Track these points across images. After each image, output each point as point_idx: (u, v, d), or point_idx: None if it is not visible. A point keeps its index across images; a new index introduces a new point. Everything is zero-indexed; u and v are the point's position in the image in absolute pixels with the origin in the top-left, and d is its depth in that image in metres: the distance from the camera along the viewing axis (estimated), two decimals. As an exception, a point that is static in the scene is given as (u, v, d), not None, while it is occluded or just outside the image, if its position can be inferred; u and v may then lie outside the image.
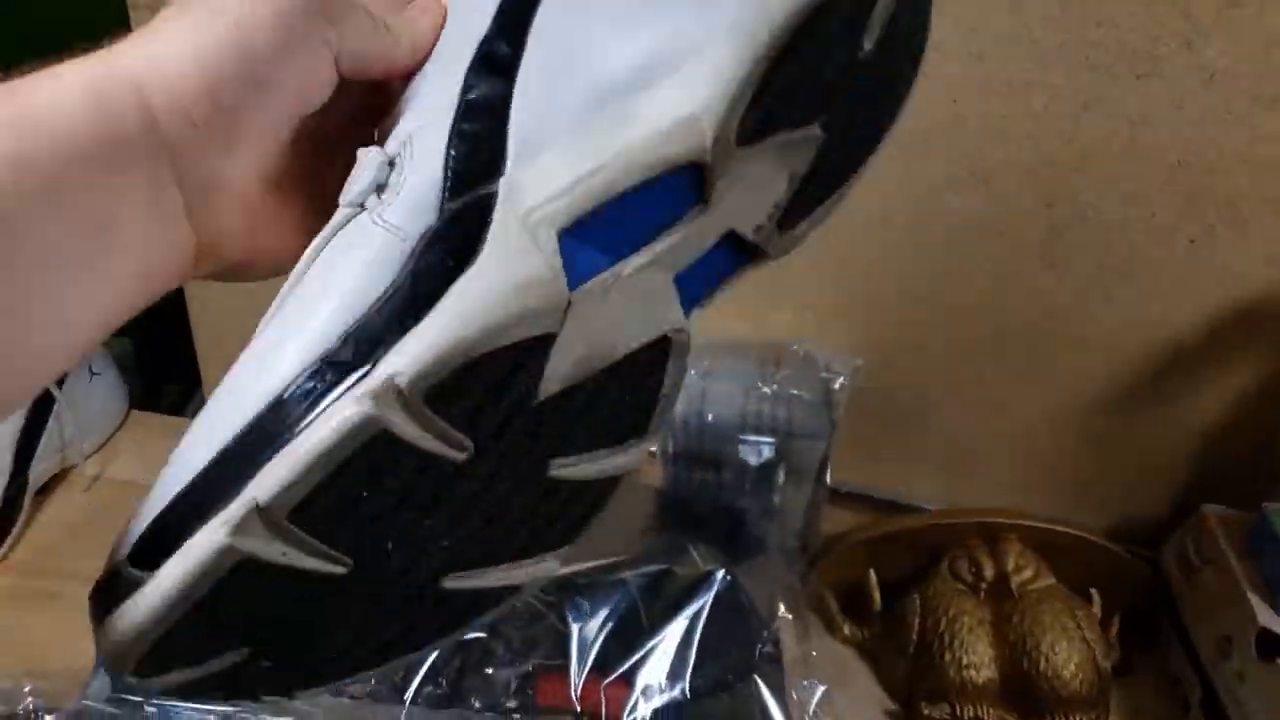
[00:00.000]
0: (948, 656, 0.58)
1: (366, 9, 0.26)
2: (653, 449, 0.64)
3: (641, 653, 0.54)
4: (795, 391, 0.59)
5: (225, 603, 0.22)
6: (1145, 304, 0.59)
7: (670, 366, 0.26)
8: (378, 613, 0.25)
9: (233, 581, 0.21)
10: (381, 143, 0.26)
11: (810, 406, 0.58)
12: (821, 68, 0.25)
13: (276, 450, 0.21)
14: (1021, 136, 0.56)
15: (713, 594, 0.56)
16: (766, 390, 0.59)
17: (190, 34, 0.23)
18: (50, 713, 0.47)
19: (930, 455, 0.68)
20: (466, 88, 0.25)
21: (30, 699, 0.48)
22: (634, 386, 0.26)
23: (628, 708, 0.52)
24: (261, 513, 0.21)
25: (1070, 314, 0.60)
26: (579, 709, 0.52)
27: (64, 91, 0.21)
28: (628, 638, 0.54)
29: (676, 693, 0.53)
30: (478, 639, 0.53)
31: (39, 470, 0.68)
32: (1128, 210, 0.57)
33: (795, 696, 0.54)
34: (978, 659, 0.58)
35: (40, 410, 0.68)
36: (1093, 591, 0.61)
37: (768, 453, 0.60)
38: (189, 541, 0.21)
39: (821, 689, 0.55)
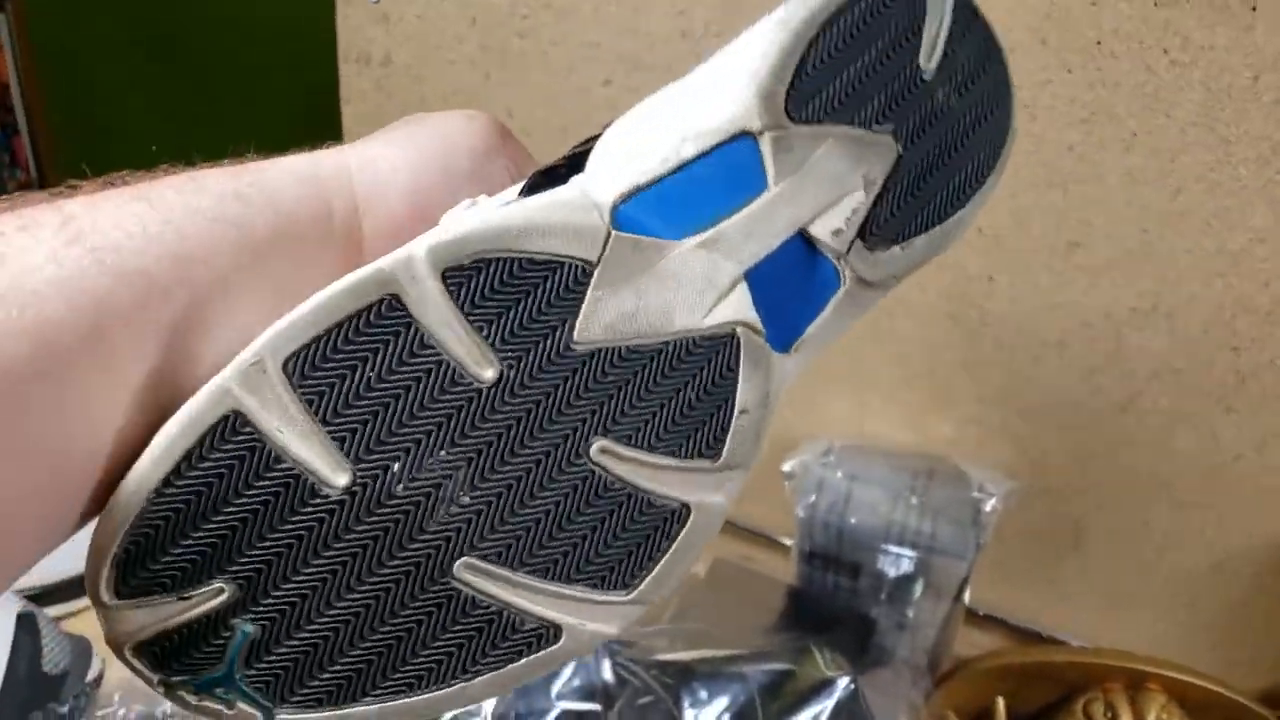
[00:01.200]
0: (1073, 802, 0.55)
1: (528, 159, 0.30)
2: (788, 542, 0.64)
3: (757, 749, 0.54)
4: (944, 507, 0.58)
5: (211, 490, 0.20)
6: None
7: (744, 374, 0.25)
8: (375, 581, 0.22)
9: (222, 452, 0.20)
10: None
11: (957, 525, 0.57)
12: (876, 68, 0.26)
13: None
14: (1213, 275, 0.54)
15: (834, 700, 0.56)
16: (915, 501, 0.58)
17: (403, 145, 0.27)
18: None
19: (1078, 590, 0.66)
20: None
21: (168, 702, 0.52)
22: (700, 385, 0.24)
23: (737, 806, 0.52)
24: (259, 362, 0.20)
25: (1248, 467, 0.57)
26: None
27: (286, 173, 0.24)
28: (747, 732, 0.54)
29: (787, 795, 0.53)
30: (591, 711, 0.54)
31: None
32: (1324, 364, 0.54)
33: (908, 819, 0.53)
34: (1105, 810, 0.55)
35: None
36: (1240, 757, 0.58)
37: (907, 565, 0.59)
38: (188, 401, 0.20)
39: (936, 816, 0.53)
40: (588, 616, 0.23)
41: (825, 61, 0.26)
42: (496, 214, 0.22)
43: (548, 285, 0.22)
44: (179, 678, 0.21)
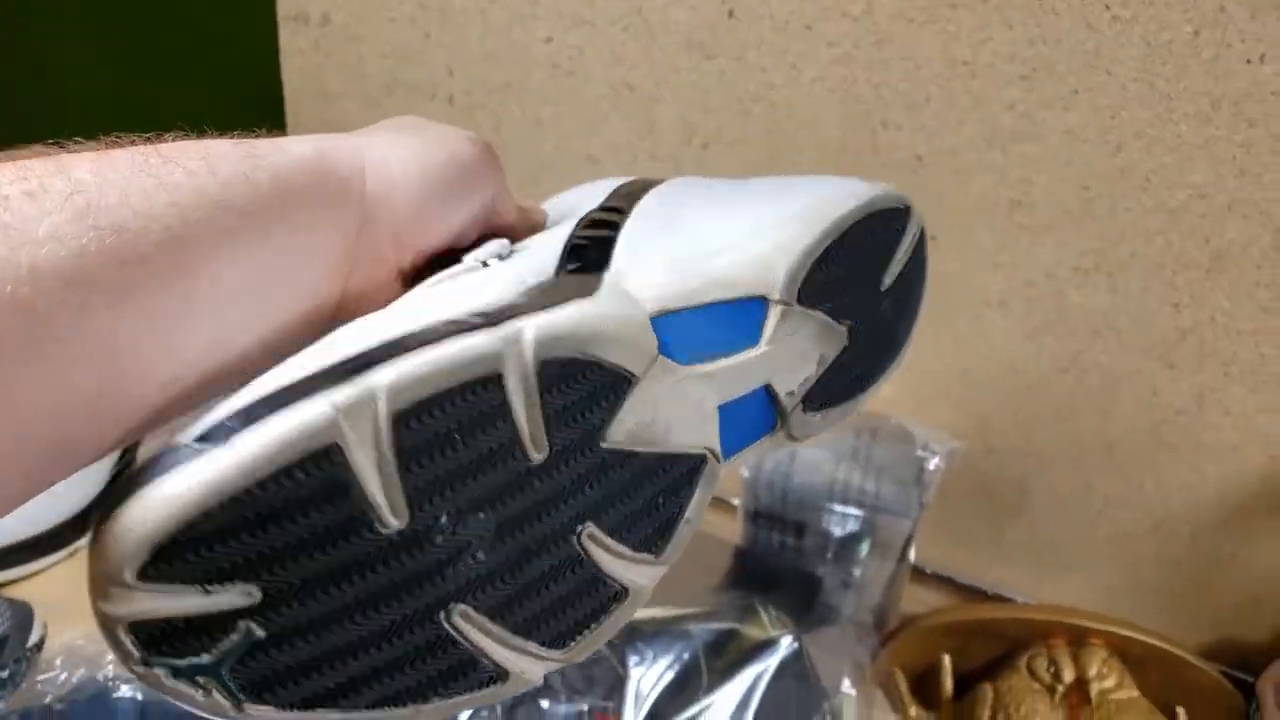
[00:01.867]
0: (1014, 756, 0.56)
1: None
2: (735, 502, 0.64)
3: (698, 708, 0.54)
4: (888, 466, 0.58)
5: (280, 504, 0.20)
6: (1270, 419, 0.57)
7: (697, 491, 0.29)
8: (384, 611, 0.23)
9: (307, 475, 0.20)
10: None
11: (901, 484, 0.57)
12: (856, 275, 0.34)
13: (405, 353, 0.22)
14: (1154, 232, 0.54)
15: (778, 658, 0.56)
16: (859, 461, 0.58)
17: (414, 149, 0.27)
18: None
19: (1022, 548, 0.66)
20: (577, 228, 0.31)
21: (111, 666, 0.51)
22: (667, 492, 0.28)
23: (679, 761, 0.52)
24: (371, 404, 0.21)
25: (1189, 422, 0.58)
26: (630, 754, 0.53)
27: (298, 160, 0.23)
28: (686, 691, 0.54)
29: (729, 752, 0.53)
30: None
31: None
32: (1263, 320, 0.54)
33: (850, 775, 0.54)
34: (1046, 763, 0.56)
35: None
36: (1179, 710, 0.59)
37: (853, 524, 0.59)
38: (283, 411, 0.20)
39: (879, 770, 0.54)
40: (528, 666, 0.26)
41: (830, 264, 0.32)
42: (591, 316, 0.25)
43: (601, 388, 0.25)
44: (164, 660, 0.21)
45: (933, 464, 0.57)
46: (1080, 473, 0.62)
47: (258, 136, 0.24)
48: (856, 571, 0.61)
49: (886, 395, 0.63)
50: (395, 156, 0.27)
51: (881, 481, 0.58)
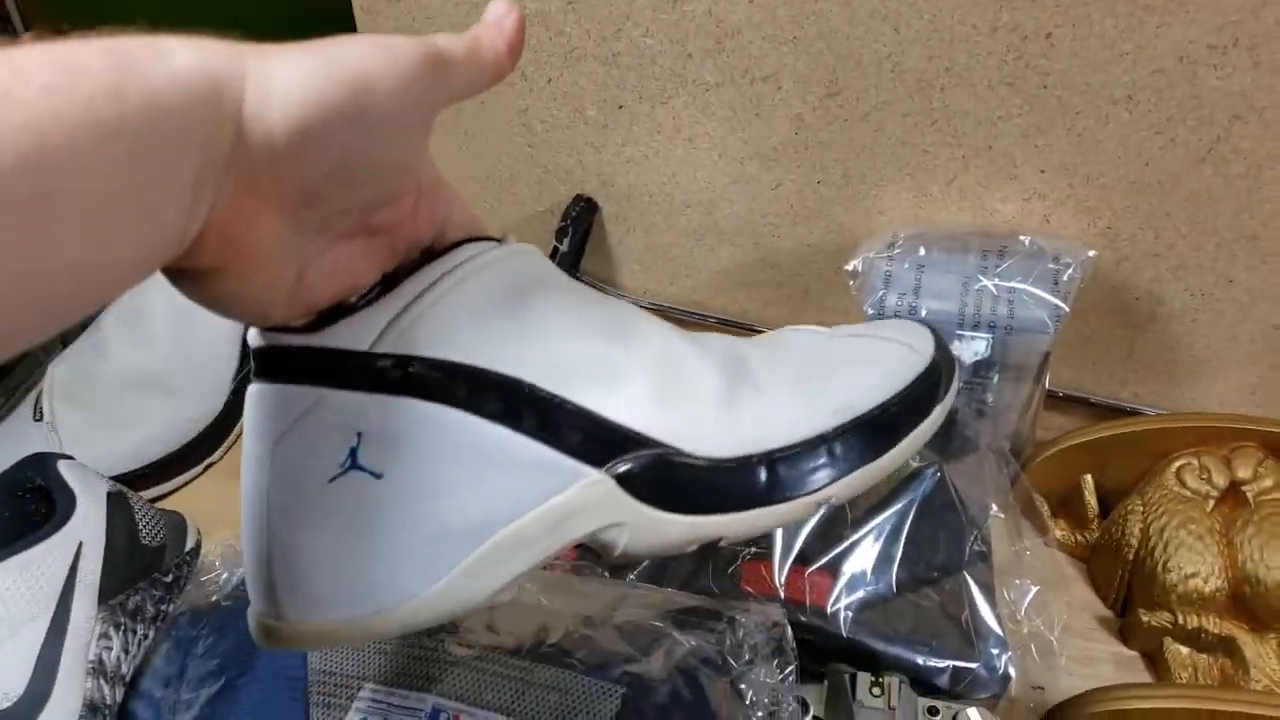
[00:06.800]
0: (1170, 565, 0.55)
1: (463, 51, 0.27)
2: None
3: (846, 544, 0.54)
4: (1019, 284, 0.55)
5: None
6: None
7: None
8: None
9: None
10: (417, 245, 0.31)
11: (1035, 300, 0.55)
12: None
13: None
14: (1298, -2, 0.50)
15: (922, 490, 0.55)
16: (988, 284, 0.56)
17: (313, 57, 0.24)
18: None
19: (1158, 359, 0.64)
20: None
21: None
22: None
23: (832, 598, 0.52)
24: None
25: (1341, 202, 0.54)
26: (783, 595, 0.53)
27: (171, 75, 0.21)
28: (834, 530, 0.54)
29: (882, 586, 0.53)
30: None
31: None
32: None
33: (1006, 596, 0.53)
34: (1205, 569, 0.54)
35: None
36: (1341, 506, 0.57)
37: (984, 350, 0.57)
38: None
39: (1034, 590, 0.53)
40: None
41: None
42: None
43: None
44: None
45: (1066, 275, 0.55)
46: (1220, 269, 0.59)
47: (159, 33, 0.21)
48: (990, 398, 0.59)
49: (1008, 213, 0.60)
50: (283, 71, 0.23)
51: (1014, 301, 0.56)
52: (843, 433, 0.34)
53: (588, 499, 0.31)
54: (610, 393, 0.32)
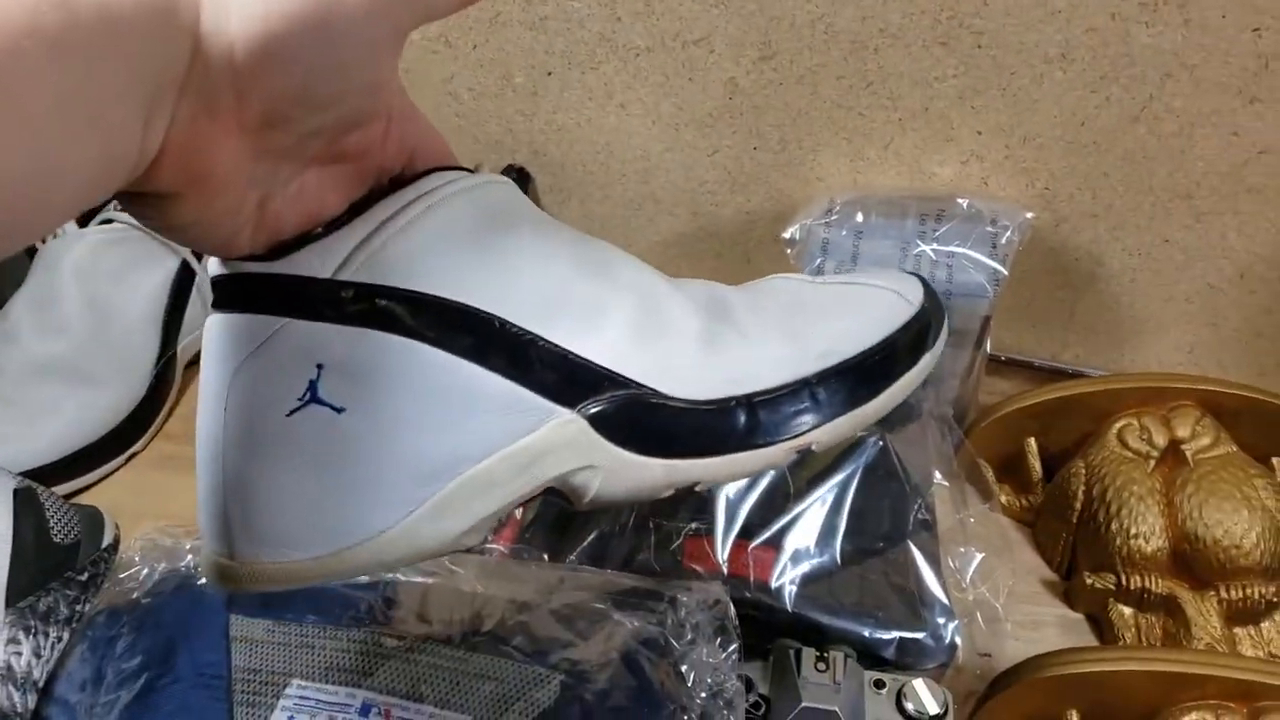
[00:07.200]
0: (1114, 526, 0.55)
1: None
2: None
3: (789, 517, 0.53)
4: (957, 248, 0.55)
5: None
6: (1363, 145, 0.53)
7: None
8: None
9: None
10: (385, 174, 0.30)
11: (974, 264, 0.54)
12: None
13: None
14: (1229, -49, 0.49)
15: (864, 459, 0.54)
16: (926, 249, 0.55)
17: None
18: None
19: (1098, 320, 0.64)
20: None
21: (191, 556, 0.50)
22: None
23: (776, 573, 0.52)
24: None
25: (1275, 160, 0.54)
26: (726, 571, 0.52)
27: None
28: (776, 503, 0.53)
29: (826, 558, 0.52)
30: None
31: (187, 343, 0.70)
32: (1352, 36, 0.50)
33: (951, 564, 0.53)
34: (1147, 529, 0.54)
35: (184, 285, 0.70)
36: (1276, 461, 0.57)
37: (924, 315, 0.56)
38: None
39: (979, 556, 0.53)
40: None
41: None
42: None
43: None
44: None
45: (1004, 238, 0.54)
46: (1156, 229, 0.58)
47: None
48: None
49: (948, 176, 0.59)
50: None
51: (953, 266, 0.55)
52: (826, 378, 0.33)
53: (558, 440, 0.30)
54: (585, 331, 0.30)
